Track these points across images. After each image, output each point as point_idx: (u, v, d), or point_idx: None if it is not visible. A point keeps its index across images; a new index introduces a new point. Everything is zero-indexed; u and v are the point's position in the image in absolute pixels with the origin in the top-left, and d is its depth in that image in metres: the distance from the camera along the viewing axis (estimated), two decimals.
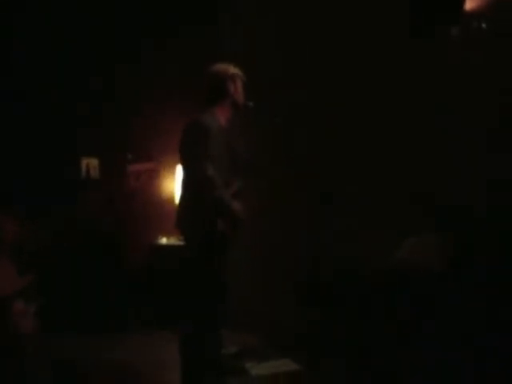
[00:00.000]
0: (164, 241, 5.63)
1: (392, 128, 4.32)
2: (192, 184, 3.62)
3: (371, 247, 4.15)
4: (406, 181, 4.16)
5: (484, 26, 3.87)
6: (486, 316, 3.32)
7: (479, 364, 3.24)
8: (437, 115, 4.03)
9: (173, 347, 3.99)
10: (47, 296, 3.85)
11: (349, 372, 3.81)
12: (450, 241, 3.68)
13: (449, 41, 3.97)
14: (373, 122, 4.44)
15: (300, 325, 4.47)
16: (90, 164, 5.54)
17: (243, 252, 3.86)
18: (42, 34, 5.34)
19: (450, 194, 3.88)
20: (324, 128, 4.74)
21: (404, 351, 3.55)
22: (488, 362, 3.24)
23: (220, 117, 3.69)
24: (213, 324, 3.65)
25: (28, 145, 5.21)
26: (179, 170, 5.26)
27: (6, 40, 5.23)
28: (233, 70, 3.78)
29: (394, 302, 3.70)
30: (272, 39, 5.15)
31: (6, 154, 5.08)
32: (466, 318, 3.36)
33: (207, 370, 3.59)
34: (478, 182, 3.76)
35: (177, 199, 5.60)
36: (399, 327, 3.62)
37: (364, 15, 4.48)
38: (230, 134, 3.77)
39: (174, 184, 5.60)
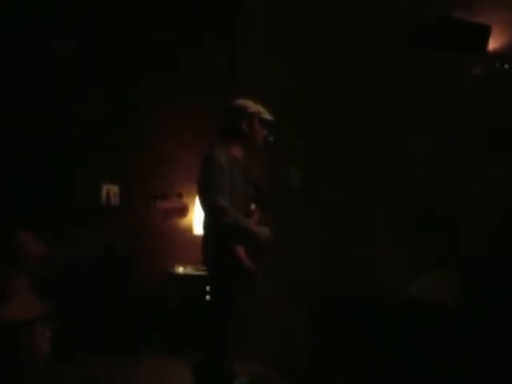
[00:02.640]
0: (180, 270, 5.64)
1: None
2: (206, 216, 3.64)
3: (386, 280, 4.14)
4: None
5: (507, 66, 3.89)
6: (497, 354, 3.29)
7: None
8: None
9: (184, 375, 3.98)
10: (62, 319, 3.86)
11: None
12: (461, 278, 3.68)
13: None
14: (391, 151, 4.46)
15: (312, 356, 4.43)
16: (111, 190, 5.60)
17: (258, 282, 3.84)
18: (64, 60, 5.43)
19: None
20: (341, 151, 4.74)
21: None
22: None
23: (234, 151, 3.70)
24: (227, 353, 3.63)
25: (49, 170, 5.27)
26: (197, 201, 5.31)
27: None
28: (251, 108, 3.73)
29: (407, 336, 3.67)
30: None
31: (27, 179, 5.14)
32: (476, 353, 3.33)
33: None
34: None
35: (195, 229, 5.68)
36: (411, 360, 3.58)
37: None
38: (247, 167, 3.79)
39: (192, 214, 5.63)
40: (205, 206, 3.59)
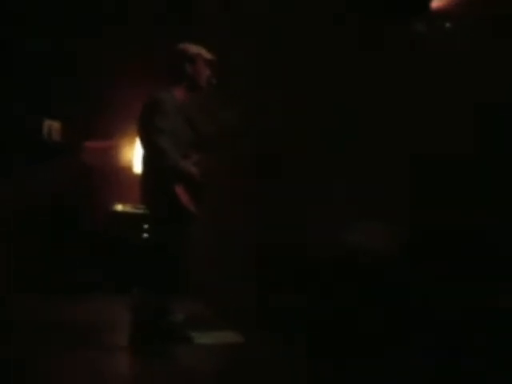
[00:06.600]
0: (119, 208, 5.68)
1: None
2: (146, 157, 3.71)
3: (322, 229, 4.24)
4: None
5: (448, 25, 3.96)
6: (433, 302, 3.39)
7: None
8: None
9: (123, 310, 4.08)
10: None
11: (291, 345, 3.86)
12: (402, 227, 3.77)
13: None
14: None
15: (248, 298, 4.57)
16: (52, 126, 5.53)
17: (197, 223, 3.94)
18: None
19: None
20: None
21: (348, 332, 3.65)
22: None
23: (177, 94, 3.76)
24: (164, 289, 3.75)
25: None
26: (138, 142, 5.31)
27: None
28: (194, 49, 3.81)
29: (342, 285, 3.79)
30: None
31: None
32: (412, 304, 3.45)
33: (154, 334, 3.70)
34: None
35: (134, 167, 5.69)
36: (345, 308, 3.71)
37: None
38: (191, 110, 3.84)
39: (131, 152, 5.65)
40: (145, 147, 3.67)
